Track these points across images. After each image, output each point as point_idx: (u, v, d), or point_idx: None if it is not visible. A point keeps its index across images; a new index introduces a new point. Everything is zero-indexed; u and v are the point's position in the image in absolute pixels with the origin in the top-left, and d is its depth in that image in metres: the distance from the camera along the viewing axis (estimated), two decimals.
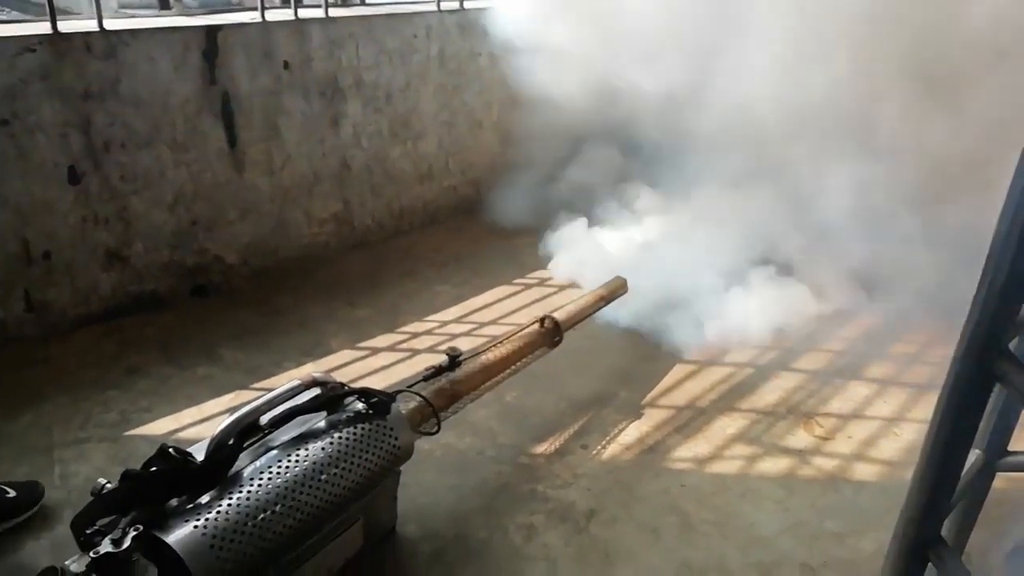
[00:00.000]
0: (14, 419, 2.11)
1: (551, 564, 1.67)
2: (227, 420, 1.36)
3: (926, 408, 2.22)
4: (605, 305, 2.46)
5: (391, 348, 2.60)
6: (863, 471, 2.01)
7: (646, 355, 2.60)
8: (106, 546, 1.11)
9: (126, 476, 1.25)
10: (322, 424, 1.51)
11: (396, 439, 1.56)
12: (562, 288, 3.10)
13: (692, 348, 2.61)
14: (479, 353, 1.93)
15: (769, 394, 2.36)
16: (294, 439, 1.45)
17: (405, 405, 1.67)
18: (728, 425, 2.20)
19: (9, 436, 1.87)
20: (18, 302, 2.51)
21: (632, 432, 2.16)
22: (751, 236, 2.97)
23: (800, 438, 2.15)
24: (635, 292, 2.60)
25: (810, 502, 1.89)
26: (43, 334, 2.57)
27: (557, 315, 2.19)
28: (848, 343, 2.65)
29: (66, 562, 1.15)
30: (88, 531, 1.18)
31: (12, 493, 1.78)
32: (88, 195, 2.57)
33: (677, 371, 2.49)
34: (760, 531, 1.79)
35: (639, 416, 2.24)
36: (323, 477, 1.40)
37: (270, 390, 1.46)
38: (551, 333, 2.16)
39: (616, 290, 2.52)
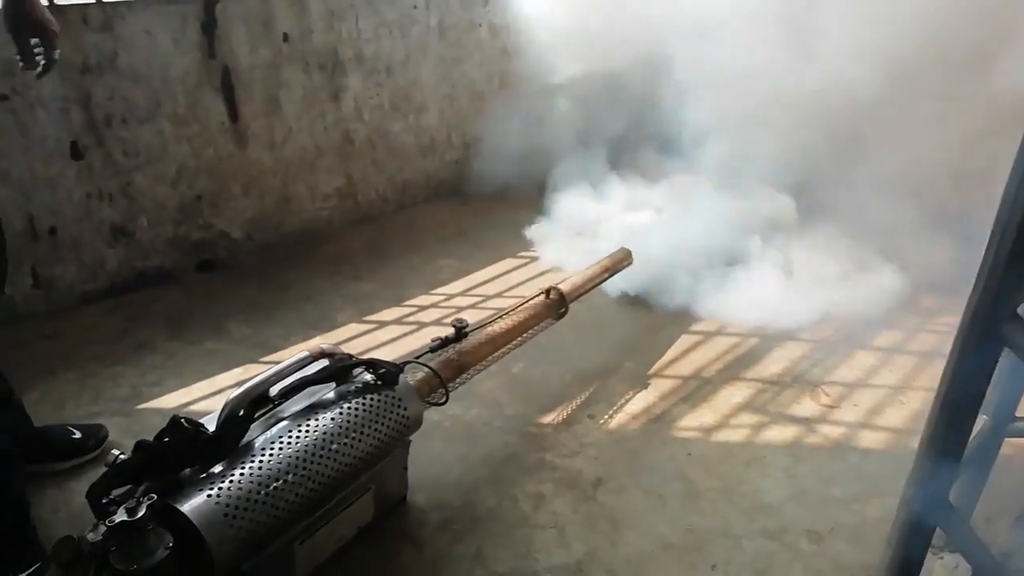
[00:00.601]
0: (25, 394, 2.10)
1: (560, 531, 1.69)
2: (237, 391, 1.37)
3: (932, 376, 2.22)
4: (610, 276, 2.46)
5: (397, 321, 2.61)
6: (869, 439, 2.02)
7: (651, 326, 2.60)
8: (121, 515, 1.12)
9: (139, 447, 1.26)
10: (331, 395, 1.52)
11: (405, 409, 1.57)
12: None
13: (698, 318, 2.62)
14: (485, 325, 1.94)
15: (775, 364, 2.37)
16: (304, 410, 1.46)
17: (413, 376, 1.68)
18: (734, 394, 2.21)
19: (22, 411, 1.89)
20: (25, 278, 2.52)
21: (638, 402, 2.17)
22: (755, 207, 2.96)
23: (806, 406, 2.16)
24: (640, 263, 2.60)
25: (816, 469, 1.90)
26: (51, 310, 2.58)
27: (562, 286, 2.19)
28: (852, 312, 2.64)
29: (84, 532, 1.16)
30: (103, 501, 1.19)
31: (77, 434, 1.89)
32: (91, 170, 2.56)
33: (683, 341, 2.50)
34: (766, 498, 1.80)
35: (645, 386, 2.25)
36: (334, 447, 1.41)
37: (278, 363, 1.47)
38: (556, 304, 2.16)
39: (621, 261, 2.51)
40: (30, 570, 1.46)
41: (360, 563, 1.60)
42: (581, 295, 2.28)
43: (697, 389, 2.24)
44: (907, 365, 2.36)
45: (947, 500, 1.22)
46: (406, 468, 1.72)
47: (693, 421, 2.09)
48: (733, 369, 2.34)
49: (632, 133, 3.85)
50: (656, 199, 3.24)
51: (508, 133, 3.81)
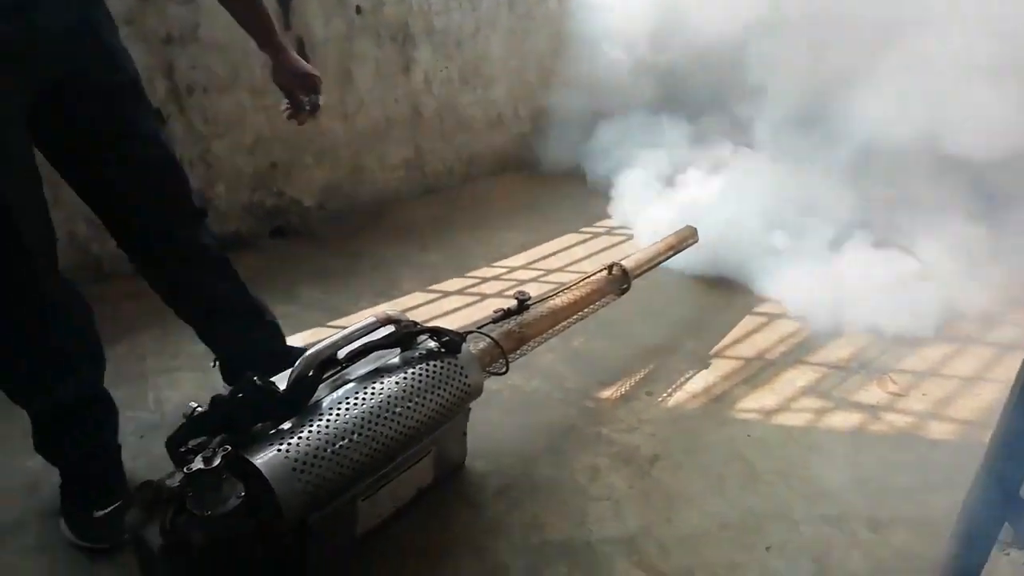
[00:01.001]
0: (111, 347, 2.21)
1: (615, 504, 1.71)
2: (307, 353, 1.43)
3: (1010, 368, 2.13)
4: (675, 254, 2.43)
5: (460, 292, 2.65)
6: (938, 429, 1.96)
7: (715, 305, 2.57)
8: (198, 463, 1.19)
9: (215, 402, 1.33)
10: (396, 360, 1.56)
11: (466, 377, 1.60)
12: (629, 237, 3.08)
13: (763, 299, 2.57)
14: (547, 298, 1.95)
15: (841, 349, 2.31)
16: (370, 373, 1.51)
17: (475, 345, 1.71)
18: (797, 378, 2.17)
19: (107, 364, 2.00)
20: (111, 241, 2.65)
21: (698, 381, 2.16)
22: (834, 190, 2.86)
23: (872, 394, 2.10)
24: (706, 240, 2.56)
25: (880, 458, 1.86)
26: (134, 271, 2.71)
27: (625, 263, 2.18)
28: (926, 300, 2.54)
29: (163, 478, 1.24)
30: (181, 450, 1.27)
31: None
32: (173, 138, 2.67)
33: (747, 322, 2.46)
34: (827, 484, 1.77)
35: (706, 366, 2.23)
36: (397, 410, 1.45)
37: (346, 328, 1.52)
38: (619, 280, 2.15)
39: (686, 239, 2.48)
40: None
41: (420, 523, 1.65)
42: (644, 272, 2.26)
43: (759, 371, 2.21)
44: (984, 356, 2.27)
45: (1017, 495, 1.18)
46: (465, 434, 1.76)
47: (754, 403, 2.06)
48: (797, 353, 2.30)
49: (720, 112, 3.75)
50: (728, 175, 3.16)
51: (577, 107, 3.78)
